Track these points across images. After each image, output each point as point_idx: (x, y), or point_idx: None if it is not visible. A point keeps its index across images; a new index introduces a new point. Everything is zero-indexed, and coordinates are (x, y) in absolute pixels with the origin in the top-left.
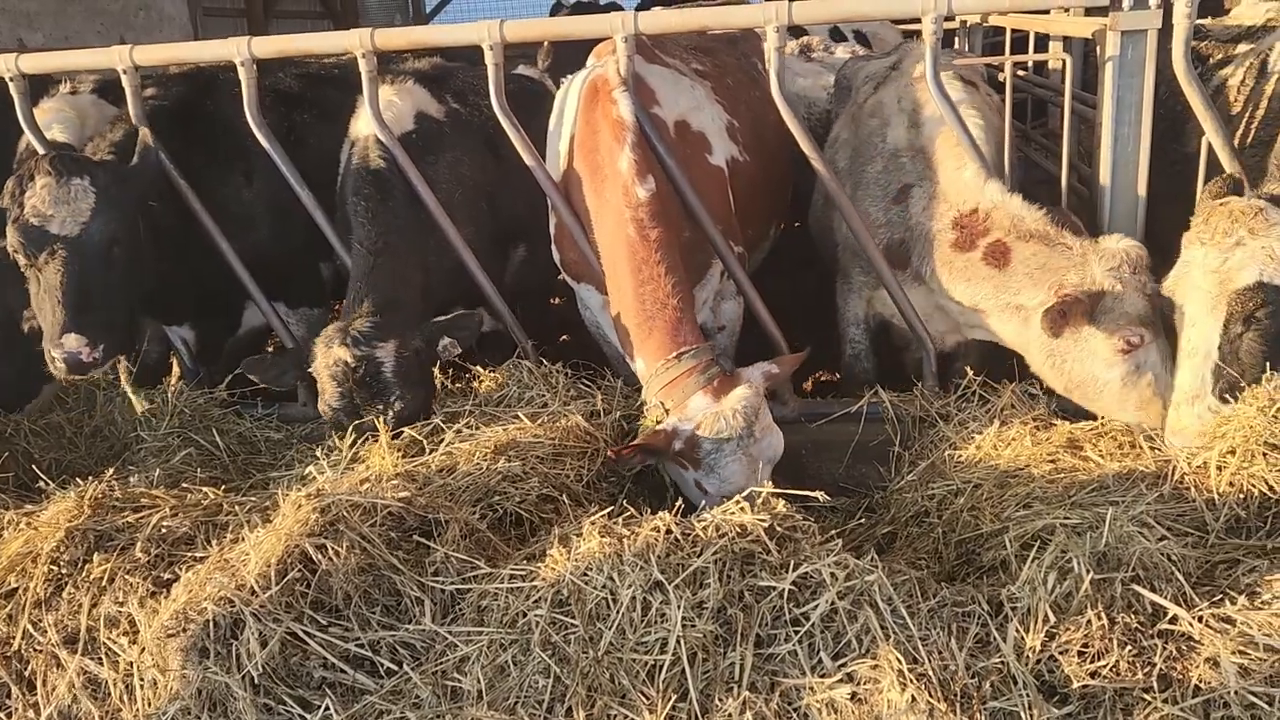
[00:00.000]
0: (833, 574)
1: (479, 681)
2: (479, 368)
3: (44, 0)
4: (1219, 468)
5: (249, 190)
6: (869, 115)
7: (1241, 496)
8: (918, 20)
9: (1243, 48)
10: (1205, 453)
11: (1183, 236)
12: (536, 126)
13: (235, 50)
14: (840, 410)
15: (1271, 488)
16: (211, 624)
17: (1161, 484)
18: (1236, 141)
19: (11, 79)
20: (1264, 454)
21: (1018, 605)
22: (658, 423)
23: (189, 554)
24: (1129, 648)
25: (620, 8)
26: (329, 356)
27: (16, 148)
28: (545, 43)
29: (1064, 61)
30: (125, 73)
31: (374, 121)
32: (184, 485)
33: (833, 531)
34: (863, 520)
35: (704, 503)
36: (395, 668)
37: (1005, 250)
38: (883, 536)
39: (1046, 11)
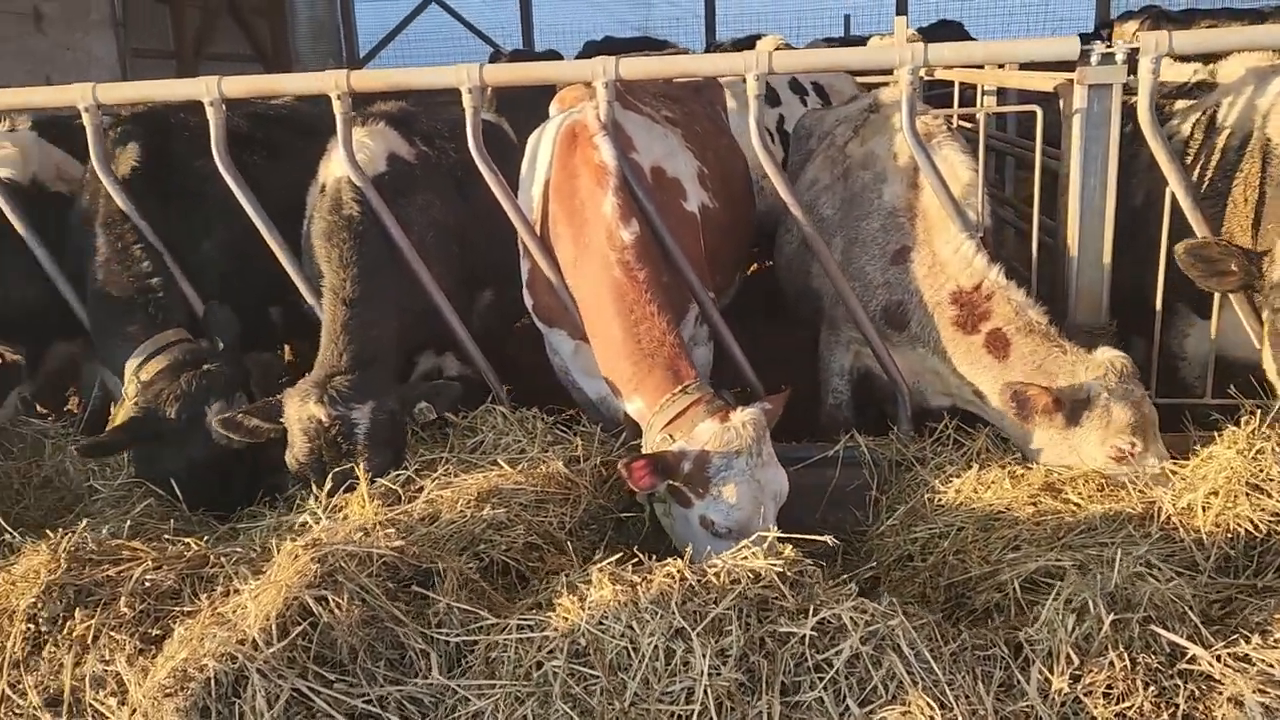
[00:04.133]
0: (853, 619)
1: None
2: (450, 414)
3: None
4: (1204, 508)
5: (208, 241)
6: (860, 166)
7: (1229, 536)
8: (888, 72)
9: (1181, 104)
10: (1189, 494)
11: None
12: (502, 170)
13: (205, 89)
14: (817, 454)
15: (1257, 526)
16: (213, 681)
17: (1148, 525)
18: None
19: None
20: (1246, 494)
21: (1037, 647)
22: None
23: (176, 608)
24: (1151, 688)
25: (559, 56)
26: (303, 411)
27: None
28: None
29: (1037, 114)
30: (87, 111)
31: (348, 164)
32: (165, 537)
33: (844, 576)
34: (842, 566)
35: (708, 548)
36: None
37: (1006, 342)
38: (865, 581)
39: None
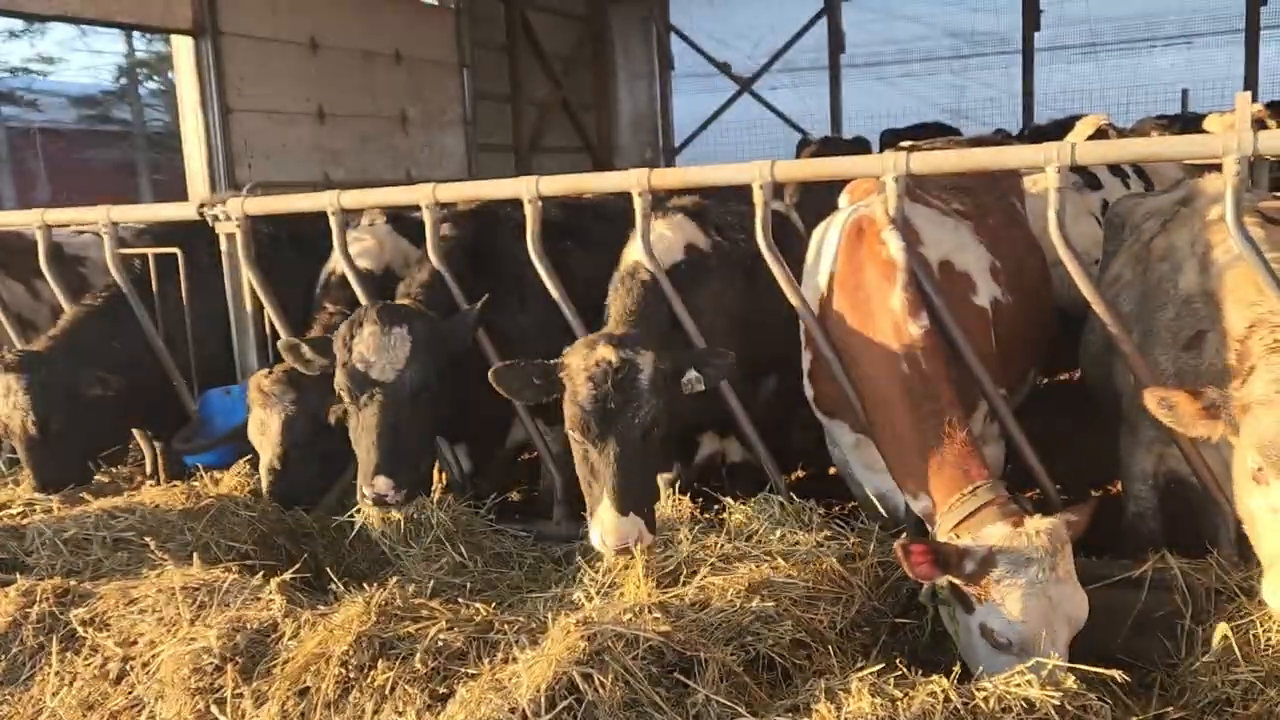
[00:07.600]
0: None
1: None
2: (729, 499)
3: (348, 140)
4: None
5: (523, 316)
6: (1159, 259)
7: None
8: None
9: None
10: None
11: None
12: (786, 259)
13: (524, 189)
14: (1120, 574)
15: None
16: None
17: None
18: None
19: (333, 213)
20: None
21: None
22: None
23: (462, 669)
24: None
25: (867, 141)
26: (591, 357)
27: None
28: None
29: None
30: (428, 209)
31: (644, 254)
32: (459, 600)
33: (1143, 716)
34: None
35: (980, 667)
36: None
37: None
38: None
39: None
